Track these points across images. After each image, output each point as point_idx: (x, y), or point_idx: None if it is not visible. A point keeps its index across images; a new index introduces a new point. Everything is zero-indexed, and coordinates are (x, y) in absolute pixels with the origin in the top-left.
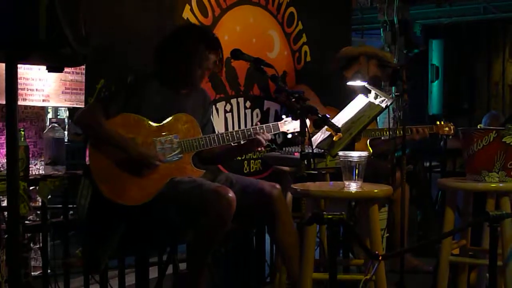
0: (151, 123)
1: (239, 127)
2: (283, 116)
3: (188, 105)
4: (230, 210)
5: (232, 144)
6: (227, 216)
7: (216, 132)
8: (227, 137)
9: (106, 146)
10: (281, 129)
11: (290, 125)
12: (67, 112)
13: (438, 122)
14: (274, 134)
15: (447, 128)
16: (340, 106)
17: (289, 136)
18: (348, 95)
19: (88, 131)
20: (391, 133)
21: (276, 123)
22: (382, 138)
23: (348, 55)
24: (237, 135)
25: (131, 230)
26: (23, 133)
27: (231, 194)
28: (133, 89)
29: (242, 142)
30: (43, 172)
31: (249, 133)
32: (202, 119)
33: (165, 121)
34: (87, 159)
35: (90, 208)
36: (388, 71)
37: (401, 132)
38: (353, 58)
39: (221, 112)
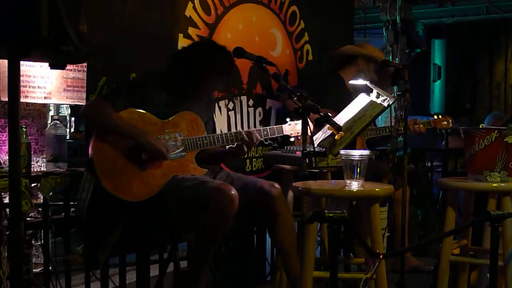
0: (156, 119)
1: (242, 125)
2: (287, 119)
3: (193, 104)
4: (232, 207)
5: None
6: (229, 213)
7: (218, 131)
8: (231, 137)
9: (112, 138)
10: (285, 132)
11: (293, 128)
12: (69, 109)
13: (435, 116)
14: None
15: (445, 122)
16: (336, 107)
17: (292, 139)
18: (345, 96)
19: (95, 122)
20: (387, 131)
21: (280, 125)
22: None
23: (347, 54)
24: (240, 136)
25: (132, 226)
26: (25, 130)
27: (233, 191)
28: (137, 85)
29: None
30: (45, 169)
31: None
32: (204, 118)
33: (169, 118)
34: (89, 152)
35: (91, 201)
36: (385, 74)
37: (399, 129)
38: (351, 58)
39: (224, 110)
